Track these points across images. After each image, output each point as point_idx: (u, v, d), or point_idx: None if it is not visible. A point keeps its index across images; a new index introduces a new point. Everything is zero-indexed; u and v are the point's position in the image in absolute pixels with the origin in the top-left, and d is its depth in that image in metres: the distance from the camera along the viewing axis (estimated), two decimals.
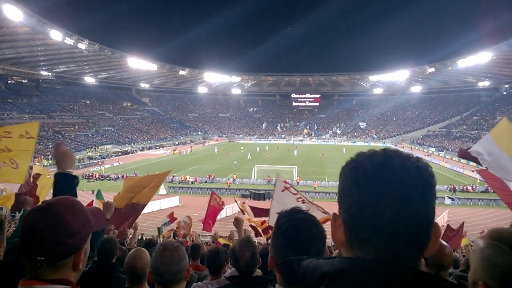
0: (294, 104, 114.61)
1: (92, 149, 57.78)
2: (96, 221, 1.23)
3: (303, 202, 7.10)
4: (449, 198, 29.11)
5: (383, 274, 0.63)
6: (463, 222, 7.78)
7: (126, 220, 6.70)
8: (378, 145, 78.02)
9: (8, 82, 70.17)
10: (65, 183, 2.06)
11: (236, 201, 12.87)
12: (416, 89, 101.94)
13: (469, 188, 33.21)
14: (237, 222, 4.58)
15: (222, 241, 9.04)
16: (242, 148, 62.24)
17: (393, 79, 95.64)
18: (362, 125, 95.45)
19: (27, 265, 1.08)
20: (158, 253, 1.89)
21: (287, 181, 7.99)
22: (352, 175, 0.71)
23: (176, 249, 1.90)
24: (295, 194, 7.27)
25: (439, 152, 61.73)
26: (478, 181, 36.64)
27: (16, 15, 45.51)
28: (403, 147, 71.63)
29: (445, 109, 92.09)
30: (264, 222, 8.61)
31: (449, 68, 78.92)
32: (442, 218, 22.67)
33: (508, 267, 0.88)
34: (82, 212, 1.16)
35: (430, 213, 0.68)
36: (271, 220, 7.58)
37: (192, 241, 8.99)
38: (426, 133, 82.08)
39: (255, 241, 2.53)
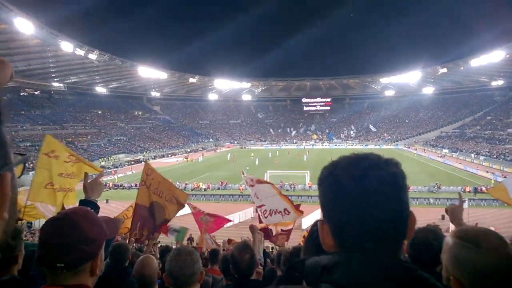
0: (305, 108, 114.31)
1: (105, 158, 58.34)
2: (109, 229, 1.29)
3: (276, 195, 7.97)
4: (471, 199, 28.59)
5: (372, 263, 0.73)
6: (477, 223, 7.58)
7: (149, 222, 6.39)
8: (390, 147, 77.35)
9: (21, 94, 71.45)
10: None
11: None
12: (428, 90, 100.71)
13: (484, 188, 32.60)
14: (252, 229, 4.56)
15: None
16: (252, 154, 62.22)
17: (405, 81, 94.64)
18: (373, 128, 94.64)
19: (47, 272, 1.13)
20: (172, 257, 2.00)
21: (253, 178, 8.95)
22: (331, 190, 0.79)
23: (190, 253, 2.01)
24: (264, 183, 8.01)
25: (453, 153, 60.83)
26: (493, 181, 36.06)
27: (27, 27, 46.43)
28: (416, 149, 70.91)
29: (458, 109, 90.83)
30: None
31: (462, 68, 77.93)
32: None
33: (473, 264, 0.97)
34: (96, 221, 1.22)
35: (405, 209, 0.78)
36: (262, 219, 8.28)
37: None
38: (439, 134, 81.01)
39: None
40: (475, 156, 54.23)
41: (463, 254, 1.01)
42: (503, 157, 48.82)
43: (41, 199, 6.00)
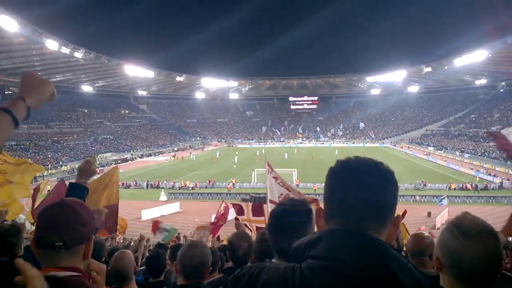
0: (292, 107, 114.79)
1: (91, 157, 57.57)
2: (97, 219, 1.41)
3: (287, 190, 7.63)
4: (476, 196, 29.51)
5: (349, 238, 0.82)
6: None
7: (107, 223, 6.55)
8: (376, 145, 78.21)
9: (5, 93, 70.01)
10: (76, 192, 2.24)
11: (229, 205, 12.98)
12: (414, 89, 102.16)
13: (468, 186, 33.24)
14: (238, 225, 4.72)
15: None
16: (236, 153, 62.35)
17: (390, 80, 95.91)
18: (361, 125, 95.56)
19: (44, 254, 1.21)
20: (185, 247, 2.16)
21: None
22: (328, 179, 0.93)
23: (202, 246, 2.16)
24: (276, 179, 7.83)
25: (438, 151, 61.83)
26: (478, 178, 36.77)
27: (11, 25, 45.52)
28: (402, 147, 71.82)
29: (443, 108, 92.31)
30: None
31: (446, 67, 79.21)
32: (442, 216, 22.60)
33: (453, 250, 1.08)
34: (88, 208, 1.36)
35: (391, 200, 0.87)
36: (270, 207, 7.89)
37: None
38: (424, 132, 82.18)
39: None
40: (460, 153, 55.14)
41: (450, 241, 1.09)
42: (487, 154, 49.77)
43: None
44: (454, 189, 32.92)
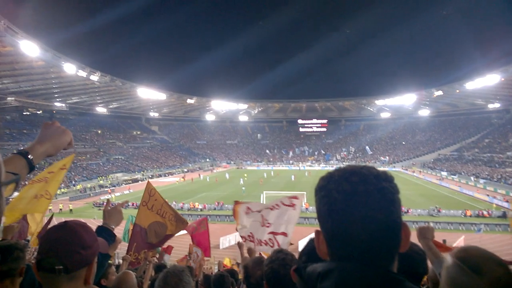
0: (301, 129, 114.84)
1: (103, 177, 58.08)
2: (101, 244, 1.40)
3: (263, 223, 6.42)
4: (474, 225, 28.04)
5: (361, 273, 0.78)
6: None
7: (143, 244, 6.32)
8: (386, 169, 77.18)
9: (24, 113, 71.72)
10: (103, 234, 2.17)
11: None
12: (424, 112, 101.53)
13: (485, 213, 32.31)
14: (240, 245, 4.94)
15: (228, 263, 8.75)
16: (245, 175, 62.19)
17: (400, 103, 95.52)
18: (368, 150, 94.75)
19: (45, 277, 1.18)
20: (161, 279, 1.95)
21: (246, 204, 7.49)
22: (324, 202, 0.85)
23: (179, 275, 1.95)
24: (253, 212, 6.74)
25: (452, 176, 60.69)
26: (494, 205, 35.79)
27: (32, 50, 47.01)
28: (413, 171, 70.80)
29: (455, 132, 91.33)
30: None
31: (457, 91, 78.67)
32: (458, 244, 21.86)
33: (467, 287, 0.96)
34: (92, 230, 1.33)
35: (397, 223, 0.82)
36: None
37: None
38: (437, 156, 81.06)
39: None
40: (475, 179, 53.97)
41: (462, 278, 0.99)
42: (504, 180, 48.61)
43: (32, 210, 6.18)
44: (470, 216, 31.97)
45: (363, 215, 0.79)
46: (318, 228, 0.90)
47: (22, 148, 1.28)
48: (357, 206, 0.79)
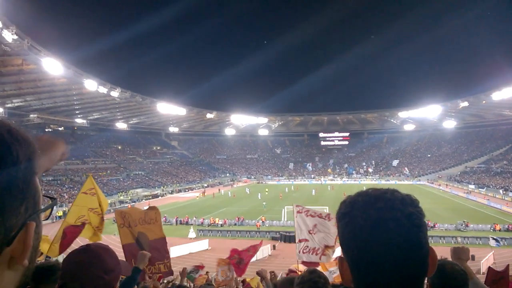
0: (322, 143, 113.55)
1: (123, 193, 58.43)
2: (124, 267, 1.41)
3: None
4: (493, 239, 26.70)
5: None
6: (508, 264, 6.70)
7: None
8: (411, 183, 75.15)
9: (46, 130, 73.35)
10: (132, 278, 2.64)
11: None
12: (450, 124, 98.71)
13: None
14: (260, 274, 4.67)
15: (252, 282, 8.18)
16: (266, 190, 61.57)
17: (424, 115, 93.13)
18: (395, 162, 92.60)
19: None
20: None
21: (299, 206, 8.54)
22: (349, 229, 0.81)
23: None
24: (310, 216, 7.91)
25: (480, 189, 58.38)
26: None
27: (55, 67, 48.12)
28: (439, 185, 68.60)
29: (483, 143, 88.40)
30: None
31: (484, 101, 76.29)
32: (487, 260, 20.75)
33: None
34: (114, 254, 1.32)
35: (424, 248, 0.78)
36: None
37: None
38: (464, 169, 78.43)
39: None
40: (504, 192, 51.80)
41: None
42: None
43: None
44: (499, 230, 30.57)
45: (391, 243, 0.75)
46: (341, 255, 0.87)
47: None
48: (385, 233, 0.76)
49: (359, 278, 0.81)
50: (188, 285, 9.00)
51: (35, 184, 0.58)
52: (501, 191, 52.92)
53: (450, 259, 2.30)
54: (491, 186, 57.91)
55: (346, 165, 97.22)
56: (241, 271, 9.81)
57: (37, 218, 0.59)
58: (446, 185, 67.25)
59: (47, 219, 0.68)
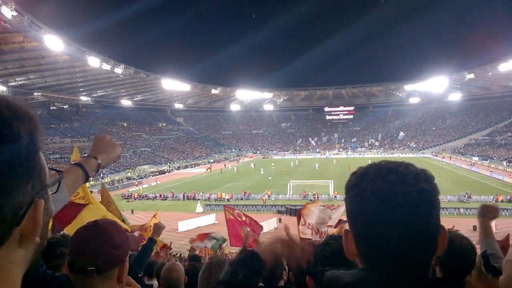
0: (327, 117, 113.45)
1: (130, 169, 59.34)
2: (132, 241, 1.43)
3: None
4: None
5: (397, 283, 0.72)
6: (508, 234, 7.05)
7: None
8: (416, 156, 75.42)
9: (51, 108, 73.97)
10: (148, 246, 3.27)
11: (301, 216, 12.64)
12: (455, 96, 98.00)
13: None
14: (286, 229, 4.67)
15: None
16: (273, 164, 62.21)
17: (430, 88, 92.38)
18: (401, 135, 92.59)
19: (77, 278, 1.19)
20: (205, 269, 2.14)
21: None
22: (356, 202, 0.77)
23: (222, 265, 2.00)
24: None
25: (483, 161, 58.64)
26: None
27: (57, 44, 48.09)
28: (443, 157, 68.86)
29: (488, 116, 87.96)
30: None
31: (490, 73, 75.51)
32: None
33: None
34: (122, 229, 1.33)
35: (435, 227, 0.75)
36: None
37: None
38: (468, 141, 78.48)
39: None
40: (507, 163, 52.06)
41: None
42: None
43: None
44: (502, 201, 30.97)
45: (400, 219, 0.71)
46: (347, 227, 0.82)
47: (80, 159, 1.37)
48: (394, 208, 0.71)
49: (363, 253, 0.78)
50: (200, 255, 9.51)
51: (39, 160, 0.57)
52: (504, 162, 53.15)
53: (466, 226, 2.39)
54: (495, 158, 58.13)
55: (353, 140, 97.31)
56: (234, 241, 10.26)
57: (45, 194, 0.59)
58: (450, 157, 67.50)
59: (55, 192, 0.68)
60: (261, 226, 11.15)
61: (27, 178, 0.53)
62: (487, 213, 2.32)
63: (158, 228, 3.71)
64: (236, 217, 10.56)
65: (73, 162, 1.34)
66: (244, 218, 10.49)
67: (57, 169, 0.83)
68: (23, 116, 0.51)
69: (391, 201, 0.72)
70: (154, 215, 9.35)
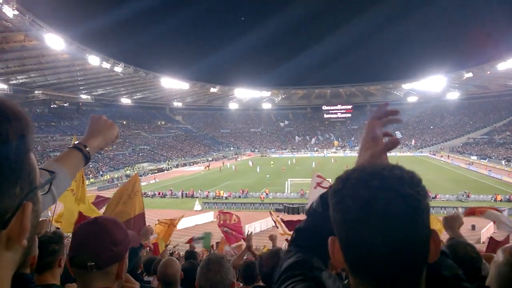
0: (325, 116, 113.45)
1: (129, 167, 59.41)
2: (132, 238, 1.42)
3: None
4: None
5: None
6: (508, 234, 7.16)
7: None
8: (415, 155, 75.56)
9: (51, 106, 74.12)
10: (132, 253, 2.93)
11: (271, 214, 13.12)
12: (453, 95, 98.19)
13: None
14: (272, 238, 4.66)
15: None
16: (272, 162, 62.26)
17: (428, 87, 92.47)
18: (398, 134, 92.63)
19: (78, 273, 1.21)
20: (204, 265, 2.08)
21: (321, 175, 8.36)
22: (338, 210, 0.71)
23: (220, 261, 2.07)
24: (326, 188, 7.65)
25: (482, 160, 58.78)
26: None
27: (57, 43, 48.13)
28: (441, 156, 69.00)
29: (486, 115, 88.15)
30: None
31: (488, 72, 75.60)
32: (487, 230, 21.36)
33: None
34: (122, 226, 1.34)
35: (424, 232, 0.68)
36: None
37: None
38: (466, 140, 78.66)
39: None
40: (506, 163, 52.21)
41: (510, 275, 0.90)
42: None
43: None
44: (501, 200, 30.89)
45: (383, 227, 0.65)
46: (334, 236, 0.76)
47: (77, 142, 1.36)
48: (376, 216, 0.66)
49: (349, 261, 0.73)
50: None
51: (29, 162, 0.55)
52: (503, 161, 53.28)
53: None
54: (493, 157, 58.26)
55: (352, 138, 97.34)
56: (235, 239, 10.50)
57: (35, 196, 0.57)
58: (448, 156, 67.65)
59: (46, 193, 0.66)
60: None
61: (15, 181, 0.51)
62: (452, 223, 2.37)
63: (146, 231, 3.71)
64: (225, 220, 11.07)
65: (71, 146, 1.34)
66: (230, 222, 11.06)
67: (48, 169, 0.80)
68: (12, 117, 0.49)
69: (373, 208, 0.66)
70: (182, 215, 10.83)
